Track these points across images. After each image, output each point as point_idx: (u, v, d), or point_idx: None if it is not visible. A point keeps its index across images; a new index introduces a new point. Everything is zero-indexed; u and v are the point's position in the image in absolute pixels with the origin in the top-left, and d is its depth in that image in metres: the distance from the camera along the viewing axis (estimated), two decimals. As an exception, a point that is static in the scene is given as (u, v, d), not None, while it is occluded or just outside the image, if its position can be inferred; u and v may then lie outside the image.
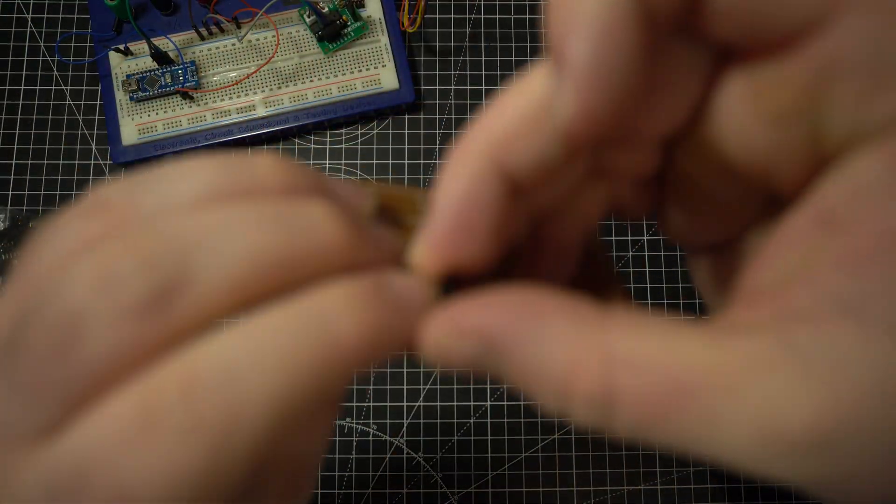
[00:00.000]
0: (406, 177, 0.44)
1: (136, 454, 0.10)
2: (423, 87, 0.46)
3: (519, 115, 0.12)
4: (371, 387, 0.42)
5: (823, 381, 0.10)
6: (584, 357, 0.11)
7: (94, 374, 0.11)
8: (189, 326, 0.11)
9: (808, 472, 0.10)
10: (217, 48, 0.43)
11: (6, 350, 0.11)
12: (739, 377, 0.10)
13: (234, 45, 0.43)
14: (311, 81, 0.43)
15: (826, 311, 0.10)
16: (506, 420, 0.42)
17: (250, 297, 0.12)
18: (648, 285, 0.44)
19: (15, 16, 0.46)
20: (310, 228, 0.12)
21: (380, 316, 0.12)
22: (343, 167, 0.45)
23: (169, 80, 0.42)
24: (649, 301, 0.43)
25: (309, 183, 0.14)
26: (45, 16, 0.46)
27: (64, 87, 0.45)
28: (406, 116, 0.45)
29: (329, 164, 0.45)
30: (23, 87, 0.45)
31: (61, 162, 0.44)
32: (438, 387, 0.42)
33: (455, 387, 0.42)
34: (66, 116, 0.45)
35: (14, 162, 0.44)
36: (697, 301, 0.43)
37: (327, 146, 0.45)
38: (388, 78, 0.43)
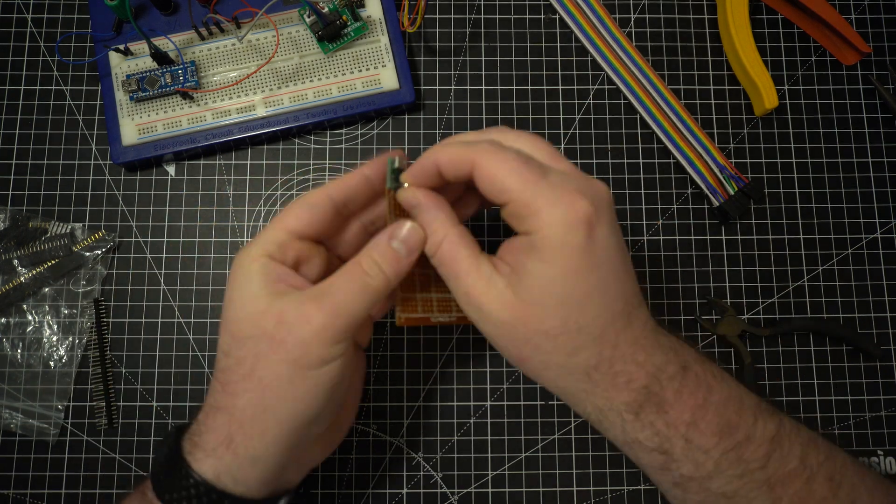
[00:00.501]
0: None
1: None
2: (423, 87, 0.46)
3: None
4: (371, 387, 0.42)
5: (513, 296, 0.28)
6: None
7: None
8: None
9: (502, 341, 0.29)
10: (217, 48, 0.43)
11: None
12: (486, 291, 0.29)
13: (234, 45, 0.43)
14: (311, 81, 0.43)
15: (520, 270, 0.28)
16: (506, 420, 0.42)
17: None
18: (648, 285, 0.44)
19: (15, 16, 0.46)
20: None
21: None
22: (343, 167, 0.45)
23: (169, 80, 0.42)
24: (649, 300, 0.43)
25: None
26: (45, 16, 0.46)
27: (64, 87, 0.45)
28: (406, 116, 0.45)
29: (329, 163, 0.45)
30: (23, 87, 0.45)
31: (61, 162, 0.44)
32: (438, 387, 0.42)
33: (455, 387, 0.42)
34: (66, 116, 0.45)
35: (14, 162, 0.44)
36: (698, 301, 0.43)
37: (327, 146, 0.45)
38: (388, 78, 0.43)
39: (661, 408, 0.29)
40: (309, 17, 0.42)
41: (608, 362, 0.29)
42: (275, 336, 0.28)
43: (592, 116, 0.45)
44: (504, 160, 0.28)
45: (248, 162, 0.45)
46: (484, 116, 0.45)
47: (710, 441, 0.29)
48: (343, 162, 0.45)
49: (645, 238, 0.44)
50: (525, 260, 0.28)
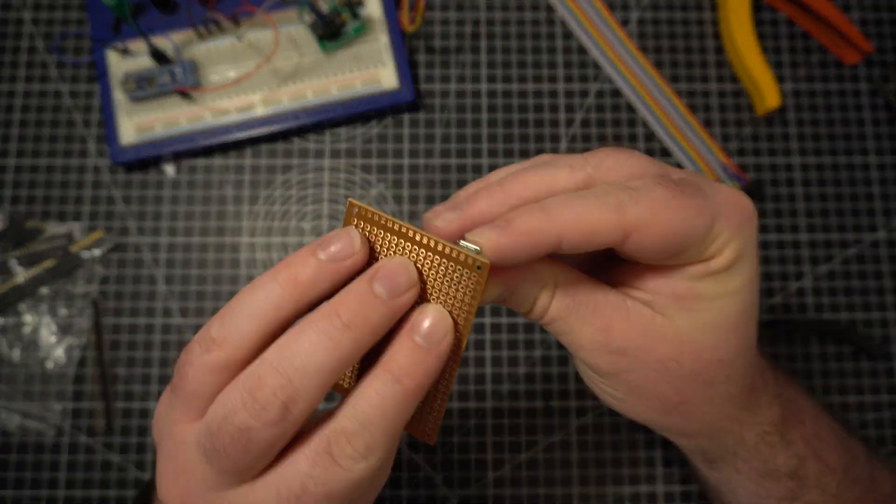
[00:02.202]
0: (406, 176, 0.44)
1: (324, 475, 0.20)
2: (423, 87, 0.46)
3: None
4: (371, 387, 0.42)
5: (673, 325, 0.24)
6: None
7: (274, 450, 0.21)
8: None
9: (659, 386, 0.24)
10: (216, 47, 0.43)
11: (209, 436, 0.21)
12: (632, 326, 0.24)
13: (233, 44, 0.43)
14: (311, 81, 0.43)
15: (684, 295, 0.24)
16: (506, 421, 0.42)
17: None
18: (649, 285, 0.43)
19: (14, 15, 0.46)
20: None
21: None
22: (343, 167, 0.44)
23: (167, 79, 0.42)
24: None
25: None
26: (43, 15, 0.46)
27: (62, 87, 0.45)
28: (406, 116, 0.45)
29: (329, 163, 0.44)
30: (21, 87, 0.45)
31: (60, 161, 0.44)
32: (438, 387, 0.42)
33: (455, 387, 0.42)
34: (64, 116, 0.45)
35: (13, 162, 0.44)
36: (698, 301, 0.43)
37: (327, 146, 0.45)
38: (387, 77, 0.43)
39: (799, 417, 0.27)
40: (309, 16, 0.42)
41: (762, 377, 0.26)
42: None
43: (593, 116, 0.45)
44: (668, 207, 0.21)
45: (248, 162, 0.44)
46: (484, 116, 0.45)
47: (834, 456, 0.28)
48: (343, 161, 0.44)
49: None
50: (693, 285, 0.23)
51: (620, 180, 0.23)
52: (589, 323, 0.23)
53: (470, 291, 0.21)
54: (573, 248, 0.21)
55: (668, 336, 0.23)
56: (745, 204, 0.23)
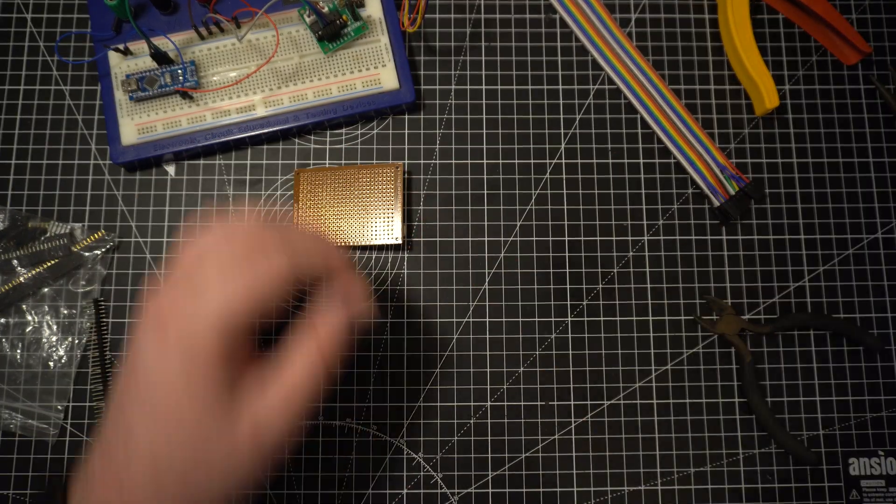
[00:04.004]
0: (406, 176, 0.44)
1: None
2: (423, 87, 0.46)
3: None
4: (371, 387, 0.42)
5: None
6: None
7: None
8: None
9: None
10: (217, 48, 0.43)
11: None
12: None
13: (233, 44, 0.43)
14: (311, 81, 0.43)
15: None
16: (506, 420, 0.42)
17: None
18: (649, 285, 0.43)
19: (14, 15, 0.46)
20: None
21: None
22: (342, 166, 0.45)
23: (168, 79, 0.42)
24: (650, 301, 0.43)
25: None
26: (44, 15, 0.46)
27: (63, 87, 0.45)
28: (406, 116, 0.45)
29: (329, 164, 0.45)
30: (22, 87, 0.45)
31: (61, 162, 0.44)
32: (438, 387, 0.42)
33: (455, 387, 0.42)
34: (65, 116, 0.45)
35: (14, 162, 0.44)
36: (698, 301, 0.43)
37: (327, 146, 0.45)
38: (388, 78, 0.43)
39: None
40: (309, 16, 0.42)
41: None
42: None
43: (592, 116, 0.45)
44: None
45: (248, 162, 0.45)
46: (484, 116, 0.45)
47: None
48: (343, 162, 0.45)
49: (645, 238, 0.44)
50: None
51: None
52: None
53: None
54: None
55: None
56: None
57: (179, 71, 0.42)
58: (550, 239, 0.44)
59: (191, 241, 0.28)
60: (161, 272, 0.43)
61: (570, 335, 0.43)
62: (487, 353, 0.43)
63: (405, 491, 0.41)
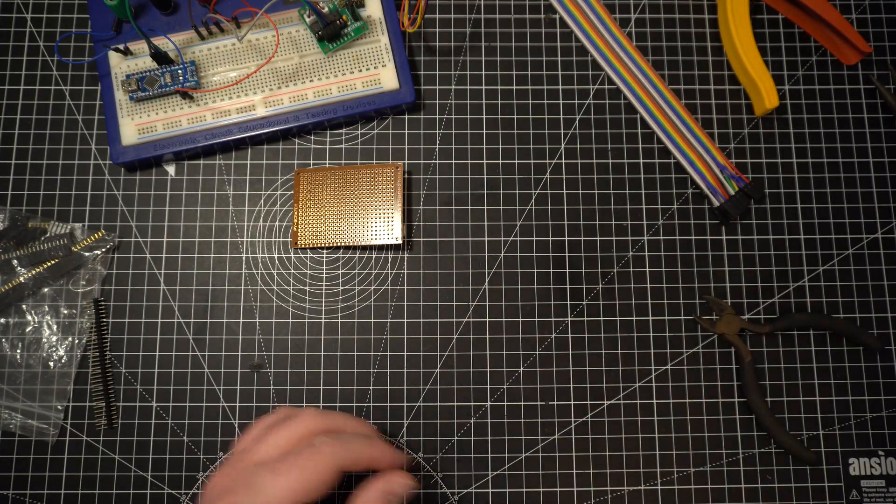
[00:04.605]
0: (406, 177, 0.44)
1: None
2: (423, 87, 0.46)
3: None
4: (371, 387, 0.42)
5: None
6: None
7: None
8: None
9: None
10: (217, 48, 0.43)
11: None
12: None
13: (234, 44, 0.43)
14: (311, 81, 0.43)
15: None
16: (506, 420, 0.42)
17: None
18: (649, 285, 0.43)
19: (14, 16, 0.46)
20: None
21: None
22: (342, 165, 0.45)
23: (168, 79, 0.42)
24: (649, 301, 0.43)
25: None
26: (44, 16, 0.46)
27: (63, 87, 0.45)
28: (406, 116, 0.45)
29: (329, 164, 0.45)
30: (22, 87, 0.45)
31: (61, 162, 0.44)
32: (438, 387, 0.42)
33: (455, 387, 0.42)
34: (65, 116, 0.45)
35: (14, 162, 0.44)
36: (698, 301, 0.43)
37: (327, 146, 0.45)
38: (388, 78, 0.43)
39: None
40: (309, 16, 0.42)
41: None
42: None
43: (592, 116, 0.45)
44: None
45: (248, 162, 0.45)
46: (484, 116, 0.45)
47: None
48: (343, 162, 0.45)
49: (645, 238, 0.44)
50: None
51: None
52: None
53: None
54: None
55: None
56: None
57: (179, 71, 0.42)
58: (550, 239, 0.44)
59: (253, 427, 0.34)
60: (161, 272, 0.43)
61: (570, 335, 0.43)
62: (487, 353, 0.43)
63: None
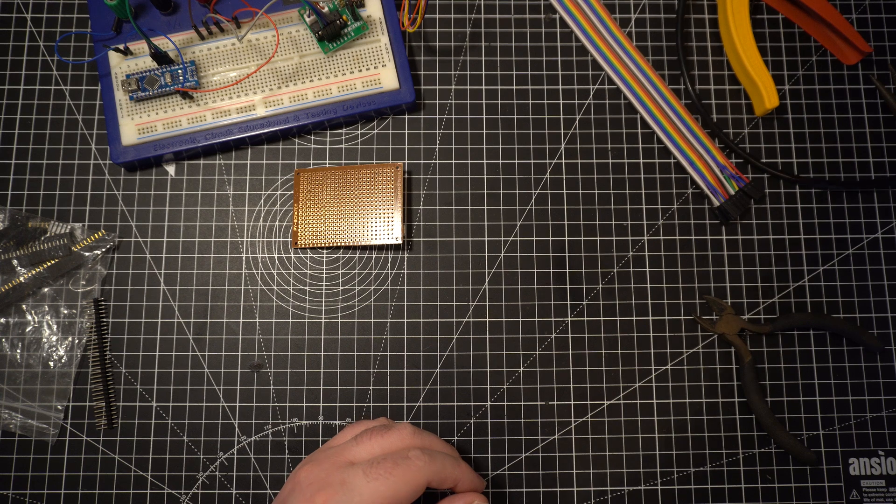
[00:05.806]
0: (405, 177, 0.44)
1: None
2: (423, 87, 0.46)
3: None
4: (371, 387, 0.42)
5: None
6: None
7: None
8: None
9: None
10: (217, 48, 0.43)
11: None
12: None
13: (234, 44, 0.43)
14: (311, 81, 0.43)
15: None
16: (506, 420, 0.42)
17: None
18: (649, 285, 0.43)
19: (14, 15, 0.46)
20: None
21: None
22: (342, 165, 0.45)
23: (169, 79, 0.42)
24: (649, 301, 0.43)
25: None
26: (44, 15, 0.46)
27: (63, 87, 0.45)
28: (406, 116, 0.45)
29: (329, 164, 0.45)
30: (22, 87, 0.45)
31: (61, 162, 0.44)
32: (438, 387, 0.42)
33: (455, 387, 0.42)
34: (65, 116, 0.45)
35: (14, 162, 0.44)
36: (698, 301, 0.43)
37: (327, 146, 0.45)
38: (388, 78, 0.43)
39: None
40: (309, 16, 0.42)
41: None
42: None
43: (592, 116, 0.45)
44: None
45: (248, 162, 0.45)
46: (484, 116, 0.45)
47: None
48: (343, 162, 0.45)
49: (645, 238, 0.44)
50: None
51: None
52: None
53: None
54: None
55: None
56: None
57: (179, 71, 0.42)
58: (550, 239, 0.44)
59: (351, 426, 0.36)
60: (161, 272, 0.43)
61: (570, 335, 0.43)
62: (487, 353, 0.43)
63: (405, 491, 0.41)
